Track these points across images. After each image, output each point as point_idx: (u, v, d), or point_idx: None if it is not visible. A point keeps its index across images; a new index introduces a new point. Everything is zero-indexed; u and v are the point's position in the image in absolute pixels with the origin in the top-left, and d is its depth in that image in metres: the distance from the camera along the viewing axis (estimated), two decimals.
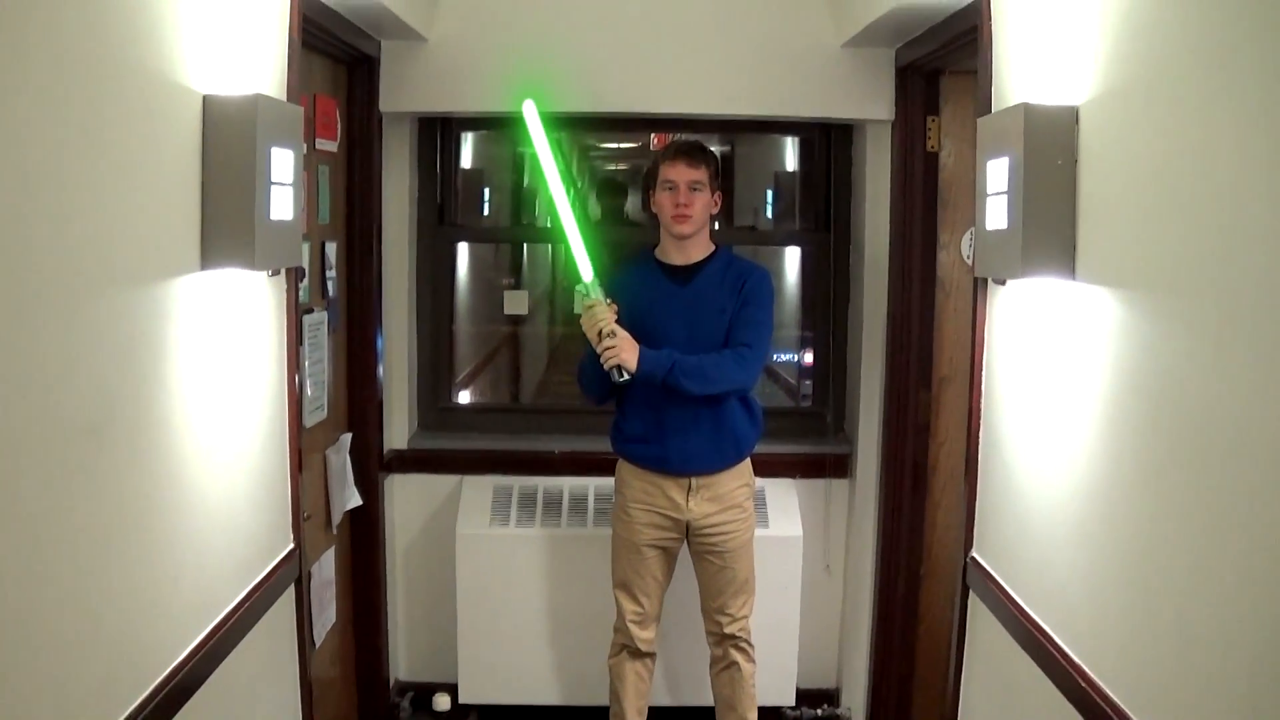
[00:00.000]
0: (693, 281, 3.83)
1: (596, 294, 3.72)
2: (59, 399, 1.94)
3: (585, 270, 3.76)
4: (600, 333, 3.66)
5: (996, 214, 2.75)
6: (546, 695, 4.63)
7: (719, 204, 3.88)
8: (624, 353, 3.65)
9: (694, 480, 3.83)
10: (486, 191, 5.78)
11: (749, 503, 3.95)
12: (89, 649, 2.07)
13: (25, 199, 1.81)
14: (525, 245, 6.80)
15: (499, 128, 5.40)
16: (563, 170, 3.80)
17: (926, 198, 4.21)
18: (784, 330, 5.22)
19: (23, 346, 1.82)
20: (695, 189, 3.75)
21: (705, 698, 4.18)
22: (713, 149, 3.94)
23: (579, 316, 3.76)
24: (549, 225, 5.56)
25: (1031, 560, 2.81)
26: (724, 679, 4.00)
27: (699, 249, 3.86)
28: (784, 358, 5.28)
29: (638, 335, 3.70)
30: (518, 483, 4.68)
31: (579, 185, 8.04)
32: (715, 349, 3.77)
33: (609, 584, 4.02)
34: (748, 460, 3.95)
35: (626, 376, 3.68)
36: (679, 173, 3.75)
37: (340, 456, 4.09)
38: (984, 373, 3.19)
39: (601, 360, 3.67)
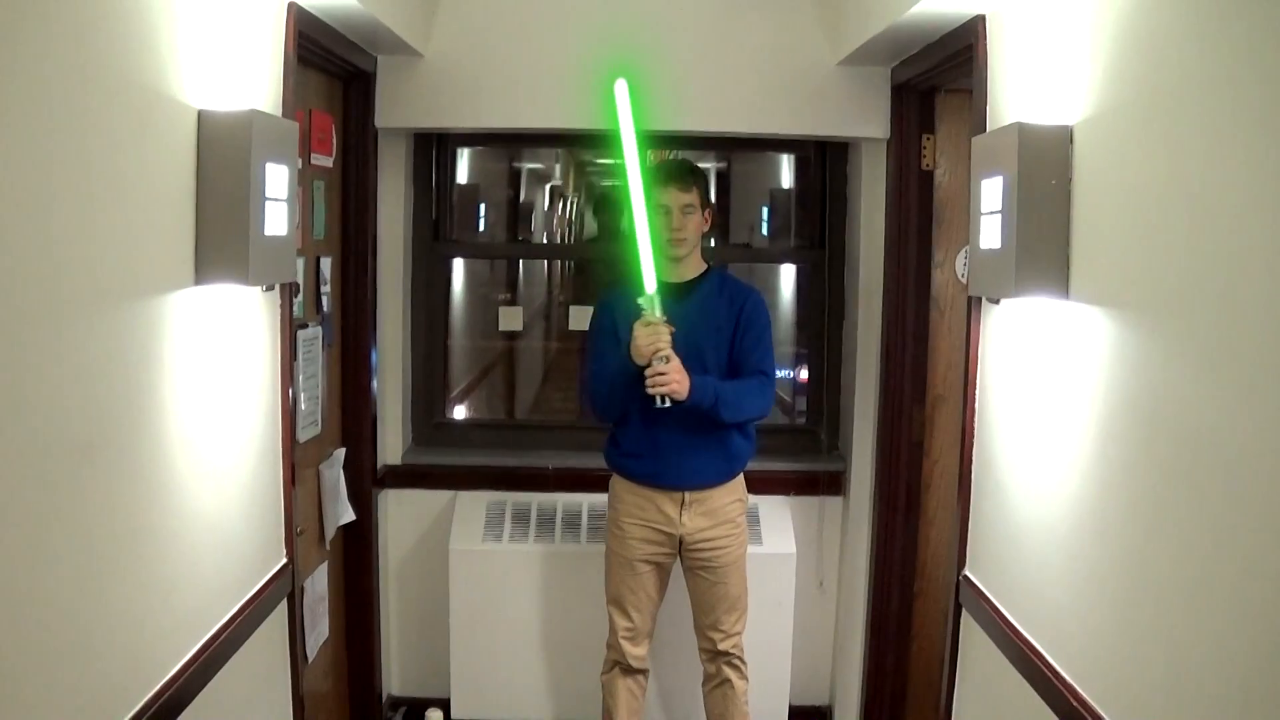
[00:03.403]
0: (688, 299, 3.84)
1: (656, 312, 3.61)
2: (52, 415, 1.94)
3: (650, 282, 3.62)
4: (655, 354, 3.58)
5: (990, 233, 2.76)
6: (539, 711, 4.62)
7: (710, 221, 3.90)
8: (675, 383, 3.59)
9: (688, 495, 3.84)
10: (482, 207, 5.78)
11: (742, 519, 3.96)
12: (82, 664, 2.07)
13: (19, 214, 1.81)
14: (521, 261, 6.80)
15: (495, 143, 5.41)
16: (642, 165, 3.64)
17: (921, 216, 4.22)
18: (779, 348, 5.19)
19: (15, 362, 1.82)
20: (687, 212, 3.78)
21: (698, 715, 4.17)
22: (709, 165, 3.93)
23: (635, 334, 3.60)
24: (563, 234, 5.45)
25: (1024, 579, 2.81)
26: (717, 696, 4.00)
27: (692, 267, 3.88)
28: (778, 375, 5.27)
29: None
30: (511, 499, 4.68)
31: (578, 200, 8.04)
32: (716, 366, 3.80)
33: (602, 600, 4.02)
34: (741, 476, 3.96)
35: (669, 404, 3.63)
36: (672, 197, 3.77)
37: (334, 471, 4.08)
38: (978, 391, 3.20)
39: (648, 384, 3.60)
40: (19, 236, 1.82)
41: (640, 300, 3.62)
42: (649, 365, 3.60)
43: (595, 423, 4.37)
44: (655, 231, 3.78)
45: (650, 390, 3.60)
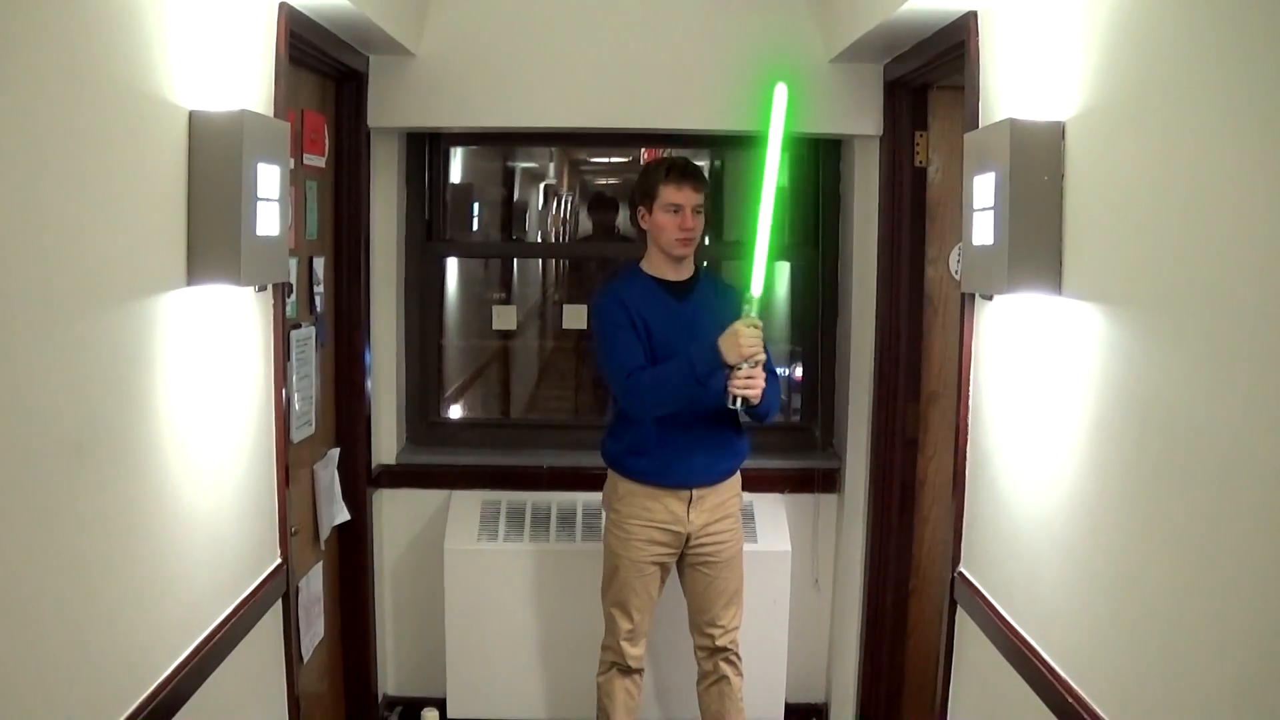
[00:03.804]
0: (690, 297, 3.83)
1: (754, 312, 3.53)
2: (44, 416, 1.94)
3: (758, 284, 3.52)
4: (748, 359, 3.52)
5: (983, 229, 2.76)
6: (534, 710, 4.62)
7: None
8: (759, 387, 3.56)
9: (694, 492, 3.83)
10: (476, 206, 5.78)
11: (739, 512, 3.98)
12: (75, 664, 2.07)
13: (10, 215, 1.81)
14: (515, 260, 6.80)
15: (488, 142, 5.41)
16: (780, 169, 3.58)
17: (914, 213, 4.22)
18: (773, 345, 5.20)
19: (7, 363, 1.82)
20: (697, 212, 3.76)
21: (694, 713, 4.17)
22: (702, 163, 3.92)
23: (737, 336, 3.51)
24: (557, 233, 5.41)
25: (1018, 575, 2.81)
26: (713, 693, 3.99)
27: (689, 266, 3.88)
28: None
29: (647, 352, 3.72)
30: (506, 498, 4.67)
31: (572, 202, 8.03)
32: None
33: (597, 599, 4.01)
34: (739, 471, 3.96)
35: (740, 406, 3.59)
36: (686, 197, 3.73)
37: (328, 471, 4.08)
38: (971, 388, 3.20)
39: (736, 385, 3.54)
40: (11, 238, 1.81)
41: (745, 304, 3.53)
42: (735, 367, 3.53)
43: (589, 420, 4.36)
44: (664, 231, 3.77)
45: (736, 391, 3.54)
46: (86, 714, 2.12)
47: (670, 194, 3.74)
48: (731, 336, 3.51)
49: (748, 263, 3.54)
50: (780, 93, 3.50)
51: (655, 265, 3.87)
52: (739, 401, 3.56)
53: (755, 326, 3.51)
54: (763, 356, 3.55)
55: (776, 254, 3.58)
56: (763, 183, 3.53)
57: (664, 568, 3.93)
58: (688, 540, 3.87)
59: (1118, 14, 2.28)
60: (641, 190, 3.82)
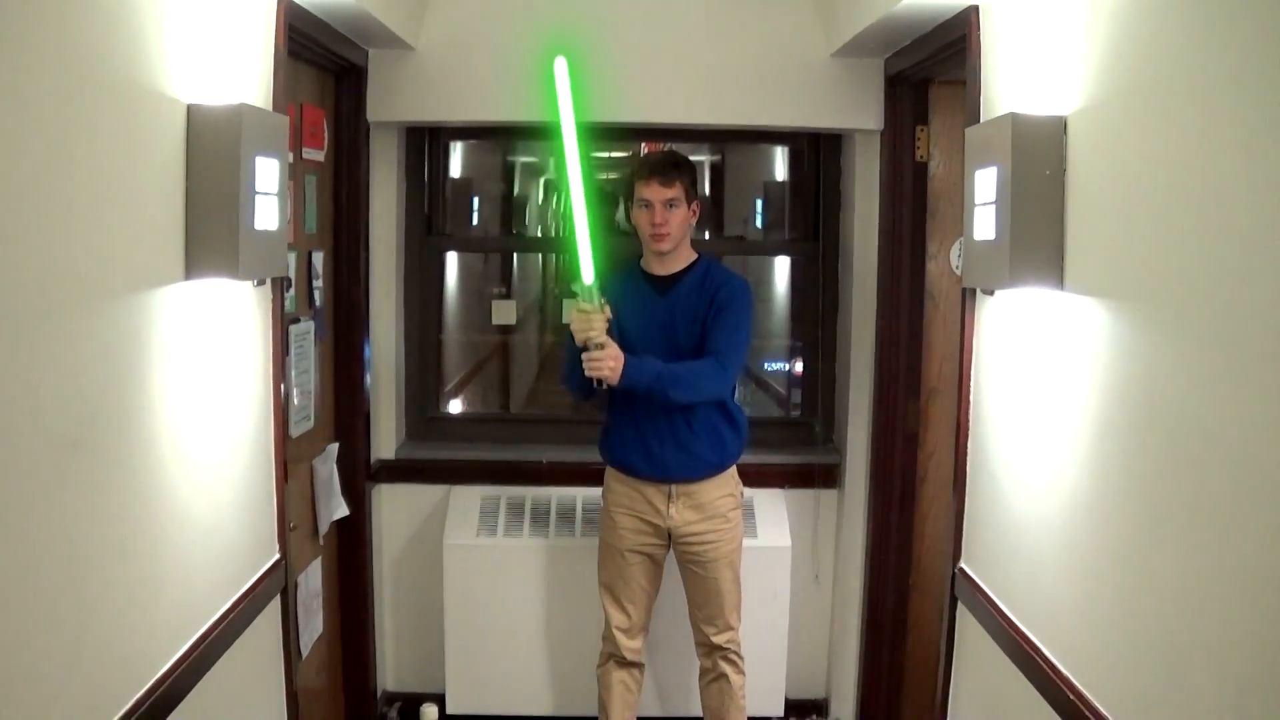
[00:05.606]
0: (671, 292, 3.83)
1: (593, 300, 3.58)
2: (41, 410, 1.93)
3: (587, 272, 3.57)
4: (589, 341, 3.58)
5: (984, 224, 2.75)
6: (535, 705, 4.61)
7: (697, 213, 3.85)
8: (607, 368, 3.58)
9: (674, 488, 3.83)
10: (475, 201, 5.76)
11: (734, 513, 3.93)
12: (72, 661, 2.06)
13: (6, 209, 1.80)
14: (514, 255, 6.79)
15: (488, 137, 5.39)
16: (583, 155, 3.57)
17: (915, 207, 4.21)
18: (773, 340, 5.22)
19: (3, 358, 1.81)
20: (671, 206, 3.73)
21: (695, 708, 4.17)
22: (703, 158, 3.89)
23: (571, 319, 3.62)
24: (557, 227, 5.40)
25: (1020, 571, 2.80)
26: (713, 690, 3.99)
27: (680, 259, 3.85)
28: (773, 367, 5.28)
29: (620, 342, 3.69)
30: (505, 493, 4.67)
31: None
32: (691, 356, 3.78)
33: (597, 594, 4.01)
34: (733, 470, 3.93)
35: (606, 386, 3.65)
36: (654, 192, 3.72)
37: (327, 466, 4.07)
38: (972, 383, 3.19)
39: (585, 368, 3.60)
40: (7, 232, 1.80)
41: (575, 286, 3.62)
42: (587, 349, 3.61)
43: (589, 415, 4.36)
44: (639, 227, 3.78)
45: (586, 373, 3.61)
46: (84, 711, 2.11)
47: (640, 190, 3.75)
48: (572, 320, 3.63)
49: (574, 253, 3.57)
50: (560, 66, 3.46)
51: (645, 259, 3.89)
52: (599, 383, 3.64)
53: (583, 312, 3.58)
54: (598, 339, 3.58)
55: (597, 239, 3.55)
56: (567, 169, 3.53)
57: (651, 559, 3.93)
58: (672, 536, 3.87)
59: (1120, 7, 2.27)
60: (626, 187, 3.82)
